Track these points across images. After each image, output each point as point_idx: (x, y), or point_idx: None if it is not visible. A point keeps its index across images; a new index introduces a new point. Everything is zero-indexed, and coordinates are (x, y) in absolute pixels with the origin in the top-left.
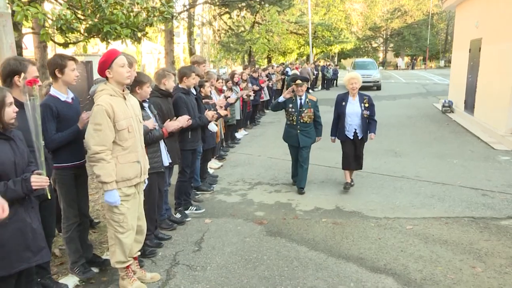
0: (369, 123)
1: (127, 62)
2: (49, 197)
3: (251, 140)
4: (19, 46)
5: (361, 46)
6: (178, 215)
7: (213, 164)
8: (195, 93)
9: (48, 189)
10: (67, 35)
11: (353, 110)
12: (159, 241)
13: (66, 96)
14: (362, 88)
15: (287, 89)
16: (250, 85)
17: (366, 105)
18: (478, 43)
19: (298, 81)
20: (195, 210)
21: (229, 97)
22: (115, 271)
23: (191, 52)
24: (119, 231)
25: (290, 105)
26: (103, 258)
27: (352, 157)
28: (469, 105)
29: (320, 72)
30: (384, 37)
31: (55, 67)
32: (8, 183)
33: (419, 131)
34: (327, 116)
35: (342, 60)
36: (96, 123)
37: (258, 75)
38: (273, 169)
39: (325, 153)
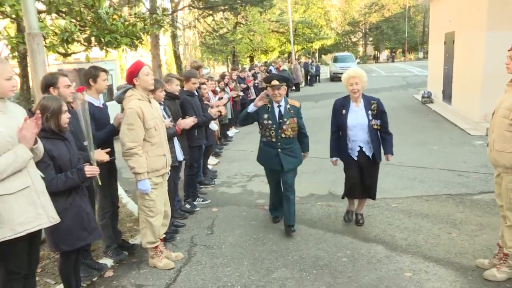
0: (382, 139)
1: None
2: (100, 183)
3: (243, 137)
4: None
5: (341, 41)
6: (187, 206)
7: (211, 161)
8: (197, 94)
9: (99, 177)
10: (68, 45)
11: (357, 120)
12: (175, 227)
13: (98, 102)
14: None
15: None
16: (238, 84)
17: (375, 112)
18: (452, 36)
19: (275, 82)
20: (202, 201)
21: (222, 98)
22: (142, 254)
23: (176, 54)
24: (150, 215)
25: (265, 116)
26: (131, 243)
27: (358, 184)
28: (447, 95)
29: (303, 69)
30: (363, 31)
31: (89, 77)
32: (67, 174)
33: (401, 122)
34: (313, 112)
35: (322, 55)
36: (129, 123)
37: (246, 75)
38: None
39: (313, 145)
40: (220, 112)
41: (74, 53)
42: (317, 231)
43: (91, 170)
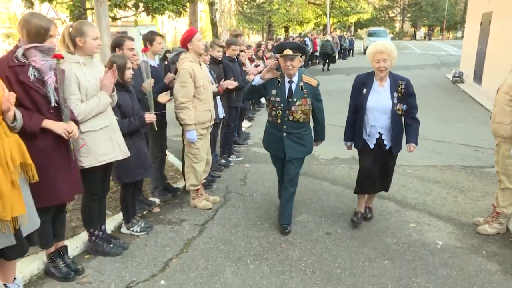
0: (407, 125)
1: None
2: (156, 129)
3: None
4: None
5: (378, 16)
6: (223, 161)
7: (244, 124)
8: (237, 60)
9: (156, 124)
10: (118, 10)
11: (379, 102)
12: (212, 177)
13: (154, 62)
14: None
15: (305, 61)
16: (273, 54)
17: (401, 94)
18: (488, 16)
19: (287, 51)
20: (236, 157)
21: (259, 65)
22: (184, 196)
23: (212, 22)
24: (194, 161)
25: (274, 92)
26: (174, 186)
27: (374, 177)
28: (478, 76)
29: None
30: (402, 7)
31: (146, 40)
32: (130, 119)
33: (429, 99)
34: (344, 85)
35: (358, 29)
36: (182, 81)
37: None
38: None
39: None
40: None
41: (123, 17)
42: (338, 187)
43: (149, 117)
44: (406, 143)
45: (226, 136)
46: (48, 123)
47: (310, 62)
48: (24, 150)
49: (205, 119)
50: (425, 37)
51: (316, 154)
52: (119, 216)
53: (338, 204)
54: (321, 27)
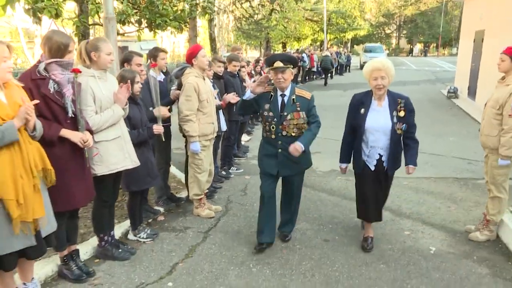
0: (405, 145)
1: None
2: (163, 140)
3: None
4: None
5: (374, 33)
6: (223, 172)
7: (243, 137)
8: (238, 75)
9: (163, 135)
10: (122, 26)
11: (379, 122)
12: (214, 188)
13: (159, 77)
14: None
15: (303, 77)
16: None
17: (401, 113)
18: (481, 34)
19: (278, 63)
20: (236, 169)
21: (255, 81)
22: (187, 206)
23: (211, 37)
24: (198, 172)
25: (267, 106)
26: (177, 196)
27: (374, 201)
28: (472, 91)
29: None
30: (398, 24)
31: (151, 56)
32: (139, 130)
33: (424, 114)
34: (340, 100)
35: (355, 46)
36: (187, 95)
37: None
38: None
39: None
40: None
41: (126, 33)
42: (335, 198)
43: (157, 128)
44: (405, 165)
45: (226, 148)
46: (65, 132)
47: (307, 77)
48: (44, 156)
49: (208, 131)
50: (421, 53)
51: (314, 167)
52: (126, 224)
53: (335, 213)
54: (318, 43)
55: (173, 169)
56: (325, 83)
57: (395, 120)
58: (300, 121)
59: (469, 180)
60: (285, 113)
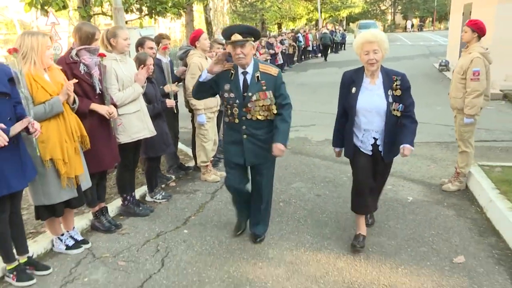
0: (401, 125)
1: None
2: (175, 111)
3: None
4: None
5: (369, 10)
6: None
7: None
8: None
9: (175, 108)
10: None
11: (372, 102)
12: (218, 158)
13: (166, 59)
14: None
15: (299, 56)
16: (267, 50)
17: (397, 92)
18: (469, 7)
19: (235, 36)
20: None
21: None
22: (194, 174)
23: (207, 21)
24: (204, 141)
25: (227, 87)
26: (186, 165)
27: (368, 191)
28: None
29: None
30: None
31: (157, 42)
32: (154, 104)
33: (415, 87)
34: (335, 78)
35: (350, 23)
36: (192, 73)
37: (276, 42)
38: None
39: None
40: None
41: (128, 21)
42: (327, 162)
43: (170, 102)
44: (400, 145)
45: None
46: (94, 106)
47: (303, 57)
48: (81, 125)
49: (212, 105)
50: (417, 29)
51: (309, 137)
52: (142, 189)
53: (328, 174)
54: (313, 23)
55: (180, 145)
56: (326, 59)
57: (390, 99)
58: (266, 101)
59: (450, 144)
60: (249, 94)
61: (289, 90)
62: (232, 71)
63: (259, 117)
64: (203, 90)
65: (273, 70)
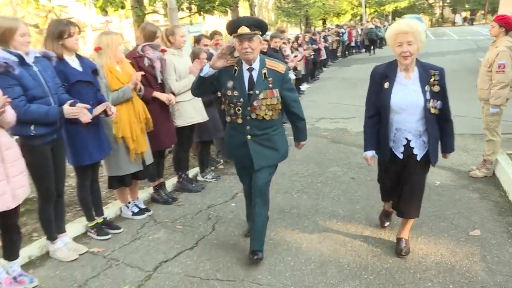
0: (441, 128)
1: None
2: None
3: (313, 92)
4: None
5: (416, 4)
6: None
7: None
8: (279, 51)
9: None
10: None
11: (407, 99)
12: None
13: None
14: None
15: (342, 51)
16: (310, 45)
17: (436, 88)
18: None
19: (243, 29)
20: None
21: (296, 56)
22: None
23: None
24: None
25: (230, 84)
26: None
27: (398, 193)
28: None
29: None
30: None
31: (210, 37)
32: None
33: (457, 82)
34: None
35: (396, 18)
36: None
37: (319, 38)
38: (332, 109)
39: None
40: (296, 67)
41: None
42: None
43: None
44: (441, 152)
45: None
46: (156, 94)
47: (346, 52)
48: (146, 109)
49: None
50: (467, 22)
51: (349, 128)
52: (193, 170)
53: (363, 160)
54: (358, 18)
55: None
56: (373, 53)
57: (428, 96)
58: (273, 100)
59: (484, 136)
60: (256, 91)
61: (331, 84)
62: (236, 67)
63: (265, 117)
64: (203, 85)
65: (281, 67)
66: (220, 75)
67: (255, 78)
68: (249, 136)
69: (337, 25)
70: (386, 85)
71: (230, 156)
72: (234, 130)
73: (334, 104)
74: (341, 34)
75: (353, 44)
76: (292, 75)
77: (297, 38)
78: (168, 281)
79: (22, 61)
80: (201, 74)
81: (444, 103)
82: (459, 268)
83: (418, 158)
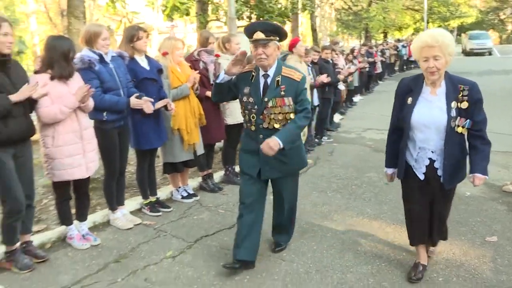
0: (471, 147)
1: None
2: None
3: (365, 103)
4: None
5: (485, 19)
6: (316, 140)
7: (336, 117)
8: (331, 61)
9: None
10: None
11: (430, 116)
12: (307, 150)
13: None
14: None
15: (400, 66)
16: (366, 58)
17: (464, 104)
18: None
19: (258, 34)
20: (327, 139)
21: (350, 67)
22: None
23: (312, 28)
24: None
25: (246, 90)
26: None
27: (426, 218)
28: None
29: None
30: None
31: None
32: None
33: (503, 100)
34: None
35: (462, 34)
36: None
37: (376, 50)
38: (381, 121)
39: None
40: (347, 79)
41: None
42: None
43: None
44: (470, 173)
45: (320, 120)
46: (209, 93)
47: (405, 67)
48: (200, 106)
49: None
50: None
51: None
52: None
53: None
54: (420, 32)
55: None
56: None
57: (453, 113)
58: (285, 109)
59: None
60: (265, 99)
61: (385, 97)
62: (253, 73)
63: (276, 126)
64: (221, 91)
65: (297, 75)
66: (238, 81)
67: (269, 83)
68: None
69: (398, 39)
70: (409, 100)
71: (240, 162)
72: (248, 137)
73: (384, 116)
74: (399, 49)
75: (412, 58)
76: (341, 86)
77: (352, 50)
78: (206, 251)
79: (101, 59)
80: (217, 81)
81: (477, 121)
82: (467, 266)
83: (442, 178)
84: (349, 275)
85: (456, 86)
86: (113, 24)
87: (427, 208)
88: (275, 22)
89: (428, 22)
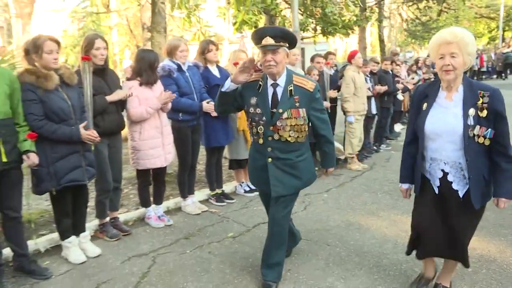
0: (495, 164)
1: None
2: (329, 111)
3: None
4: None
5: None
6: (374, 147)
7: (397, 126)
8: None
9: (328, 109)
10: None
11: (445, 123)
12: (365, 156)
13: (330, 71)
14: None
15: (470, 76)
16: (432, 69)
17: (484, 113)
18: None
19: (267, 40)
20: (385, 147)
21: (413, 78)
22: (343, 164)
23: (380, 38)
24: (351, 137)
25: (253, 101)
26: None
27: (439, 234)
28: None
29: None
30: None
31: (325, 56)
32: None
33: None
34: (507, 99)
35: None
36: (347, 83)
37: None
38: None
39: None
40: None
41: (304, 37)
42: None
43: (326, 104)
44: (493, 196)
45: (379, 128)
46: None
47: (475, 77)
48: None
49: (360, 109)
50: None
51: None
52: None
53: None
54: (497, 41)
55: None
56: (505, 78)
57: (471, 121)
58: (299, 121)
59: None
60: (280, 110)
61: None
62: (261, 82)
63: (289, 139)
64: (226, 102)
65: (309, 84)
66: (243, 90)
67: (279, 95)
68: (269, 159)
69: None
70: (424, 106)
71: (251, 181)
72: (256, 151)
73: None
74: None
75: (484, 69)
76: (400, 96)
77: (416, 61)
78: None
79: (179, 68)
80: (222, 89)
81: (499, 132)
82: (500, 261)
83: (461, 194)
84: (385, 260)
85: (475, 92)
86: (187, 35)
87: (439, 223)
88: (338, 33)
89: (504, 31)
